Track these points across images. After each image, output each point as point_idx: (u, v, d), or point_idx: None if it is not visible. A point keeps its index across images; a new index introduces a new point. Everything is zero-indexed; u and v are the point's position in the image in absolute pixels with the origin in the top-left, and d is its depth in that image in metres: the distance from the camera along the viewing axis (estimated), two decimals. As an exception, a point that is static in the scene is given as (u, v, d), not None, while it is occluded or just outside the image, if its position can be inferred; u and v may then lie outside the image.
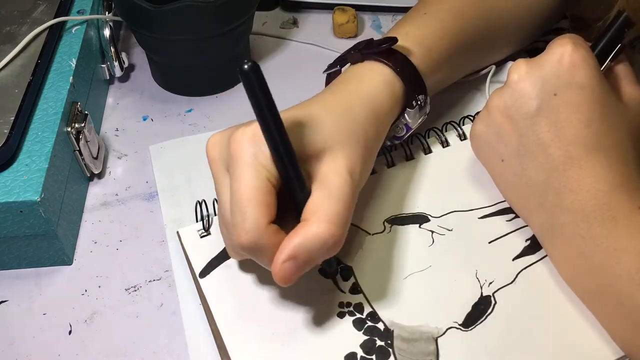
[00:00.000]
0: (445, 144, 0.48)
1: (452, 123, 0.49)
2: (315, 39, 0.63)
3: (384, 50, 0.42)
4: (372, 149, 0.39)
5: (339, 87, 0.41)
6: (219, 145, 0.36)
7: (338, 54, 0.46)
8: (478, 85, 0.55)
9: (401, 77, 0.41)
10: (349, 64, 0.43)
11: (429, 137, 0.48)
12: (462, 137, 0.48)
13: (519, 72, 0.38)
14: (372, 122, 0.39)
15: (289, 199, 0.34)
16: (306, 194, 0.34)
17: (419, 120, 0.44)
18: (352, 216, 0.39)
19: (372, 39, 0.44)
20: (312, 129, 0.35)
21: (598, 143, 0.36)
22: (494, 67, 0.53)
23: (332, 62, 0.46)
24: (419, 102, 0.43)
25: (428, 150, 0.47)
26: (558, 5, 0.54)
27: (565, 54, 0.37)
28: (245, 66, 0.30)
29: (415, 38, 0.44)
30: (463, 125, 0.49)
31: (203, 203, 0.44)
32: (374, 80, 0.41)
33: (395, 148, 0.47)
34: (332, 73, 0.46)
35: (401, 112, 0.43)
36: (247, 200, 0.32)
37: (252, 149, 0.33)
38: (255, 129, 0.33)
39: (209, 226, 0.42)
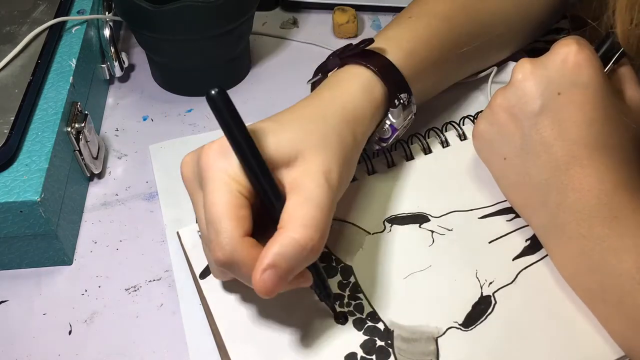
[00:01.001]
0: (445, 144, 0.48)
1: (452, 123, 0.49)
2: (315, 39, 0.63)
3: (362, 53, 0.42)
4: (349, 153, 0.38)
5: (313, 95, 0.40)
6: (191, 163, 0.35)
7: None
8: (479, 85, 0.55)
9: (380, 77, 0.41)
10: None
11: (428, 137, 0.48)
12: (462, 137, 0.48)
13: (524, 71, 0.38)
14: (348, 127, 0.38)
15: (266, 211, 0.34)
16: (282, 202, 0.33)
17: (405, 121, 0.43)
18: (352, 215, 0.39)
19: (350, 43, 0.44)
20: (281, 136, 0.35)
21: (601, 143, 0.36)
22: (495, 68, 0.53)
23: (314, 71, 0.46)
24: (401, 101, 0.42)
25: (428, 150, 0.47)
26: (552, 9, 0.54)
27: (570, 54, 0.37)
28: (212, 92, 0.32)
29: (397, 41, 0.44)
30: (463, 125, 0.49)
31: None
32: (351, 85, 0.40)
33: (390, 150, 0.47)
34: (316, 82, 0.45)
35: (385, 113, 0.43)
36: (220, 215, 0.32)
37: (221, 163, 0.33)
38: (222, 142, 0.33)
39: (209, 226, 0.42)
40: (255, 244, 0.33)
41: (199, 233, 0.42)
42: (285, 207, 0.33)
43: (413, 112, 0.44)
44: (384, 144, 0.44)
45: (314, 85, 0.46)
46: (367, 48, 0.43)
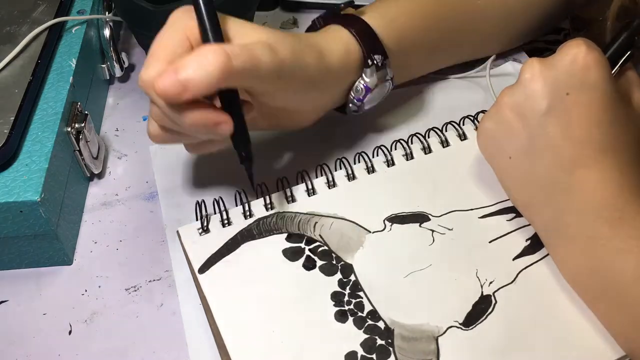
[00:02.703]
0: (445, 143, 0.48)
1: (452, 123, 0.49)
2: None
3: (344, 16, 0.45)
4: (310, 68, 0.41)
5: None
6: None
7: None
8: (479, 85, 0.55)
9: (356, 36, 0.44)
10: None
11: (429, 137, 0.48)
12: (463, 137, 0.48)
13: (532, 70, 0.38)
14: (311, 46, 0.41)
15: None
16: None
17: (379, 82, 0.45)
18: (352, 214, 0.39)
19: (334, 5, 0.47)
20: (243, 24, 0.39)
21: (607, 144, 0.36)
22: (491, 58, 0.53)
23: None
24: (375, 62, 0.44)
25: (428, 150, 0.47)
26: (557, 4, 0.54)
27: (579, 55, 0.37)
28: None
29: (379, 10, 0.47)
30: (463, 125, 0.49)
31: (203, 203, 0.44)
32: (328, 35, 0.44)
33: (390, 150, 0.47)
34: None
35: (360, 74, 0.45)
36: (158, 46, 0.36)
37: (184, 17, 0.37)
38: (190, 6, 0.37)
39: (208, 224, 0.42)
40: None
41: (199, 231, 0.42)
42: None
43: (389, 75, 0.46)
44: (359, 103, 0.46)
45: None
46: (350, 13, 0.46)
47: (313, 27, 0.47)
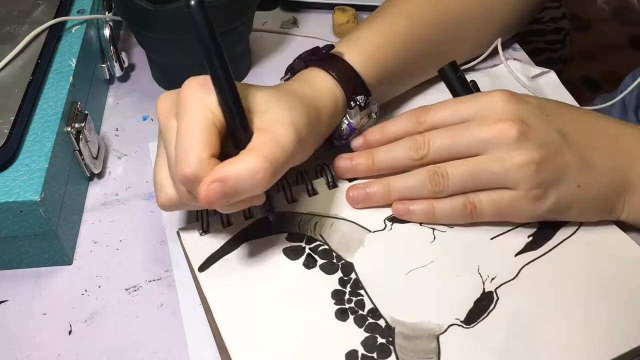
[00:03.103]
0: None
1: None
2: (315, 39, 0.62)
3: (324, 57, 0.45)
4: (314, 124, 0.40)
5: (282, 84, 0.44)
6: (169, 99, 0.38)
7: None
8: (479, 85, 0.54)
9: (338, 80, 0.44)
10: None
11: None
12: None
13: (516, 131, 0.39)
14: (313, 105, 0.41)
15: (233, 146, 0.37)
16: (248, 135, 0.36)
17: (364, 121, 0.46)
18: (352, 214, 0.39)
19: (317, 46, 0.46)
20: (256, 91, 0.38)
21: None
22: (485, 54, 0.53)
23: (285, 70, 0.48)
24: (358, 103, 0.45)
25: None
26: (520, 9, 0.55)
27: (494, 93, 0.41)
28: (192, 2, 0.32)
29: (360, 44, 0.47)
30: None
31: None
32: (315, 83, 0.44)
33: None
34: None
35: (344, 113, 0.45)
36: (192, 136, 0.35)
37: (201, 93, 0.36)
38: (205, 77, 0.36)
39: (208, 225, 0.42)
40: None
41: (200, 231, 0.42)
42: (252, 141, 0.36)
43: (373, 111, 0.46)
44: (344, 141, 0.46)
45: None
46: (331, 52, 0.46)
47: (293, 68, 0.47)
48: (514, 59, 0.57)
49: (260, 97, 0.38)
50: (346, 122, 0.45)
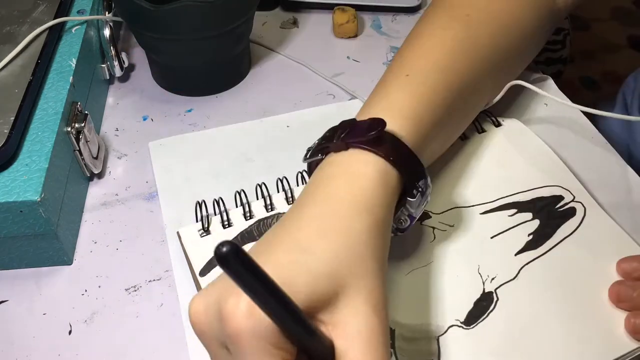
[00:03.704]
0: (445, 143, 0.48)
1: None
2: (316, 39, 0.62)
3: (371, 138, 0.36)
4: (383, 261, 0.33)
5: (327, 193, 0.34)
6: (207, 318, 0.29)
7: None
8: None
9: (396, 167, 0.35)
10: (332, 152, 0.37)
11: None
12: (463, 136, 0.48)
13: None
14: (377, 233, 0.33)
15: None
16: (329, 349, 0.29)
17: (423, 207, 0.38)
18: None
19: (354, 120, 0.38)
20: (315, 273, 0.29)
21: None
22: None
23: (311, 146, 0.39)
24: (419, 189, 0.37)
25: (428, 150, 0.47)
26: (542, 29, 0.50)
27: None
28: (223, 249, 0.22)
29: (402, 110, 0.38)
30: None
31: (203, 203, 0.44)
32: (366, 176, 0.34)
33: None
34: (314, 162, 0.39)
35: (400, 201, 0.37)
36: None
37: (255, 328, 0.27)
38: (249, 302, 0.26)
39: (209, 226, 0.42)
40: None
41: (200, 232, 0.42)
42: (337, 354, 0.29)
43: (429, 194, 0.38)
44: (400, 233, 0.39)
45: (310, 165, 0.40)
46: (368, 120, 0.37)
47: (326, 148, 0.37)
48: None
49: (320, 280, 0.29)
50: (406, 212, 0.37)
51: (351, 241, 0.31)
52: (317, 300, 0.29)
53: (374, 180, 0.34)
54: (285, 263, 0.30)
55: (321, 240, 0.31)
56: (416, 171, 0.37)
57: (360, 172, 0.35)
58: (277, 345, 0.27)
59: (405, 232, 0.39)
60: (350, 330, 0.29)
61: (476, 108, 0.46)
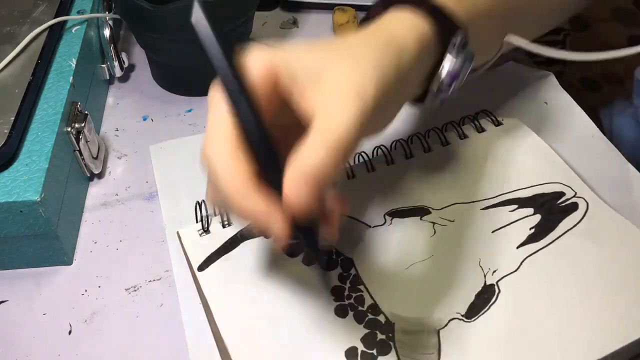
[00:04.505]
0: (444, 143, 0.48)
1: (452, 123, 0.49)
2: (316, 39, 0.62)
3: None
4: (389, 81, 0.32)
5: (354, 33, 0.34)
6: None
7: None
8: (477, 86, 0.54)
9: (430, 16, 0.35)
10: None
11: (429, 137, 0.48)
12: (463, 136, 0.48)
13: None
14: (389, 51, 0.32)
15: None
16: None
17: (465, 67, 0.37)
18: (352, 210, 0.37)
19: None
20: (309, 49, 0.31)
21: None
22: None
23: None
24: (455, 43, 0.36)
25: (428, 149, 0.47)
26: None
27: None
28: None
29: None
30: (463, 125, 0.49)
31: (203, 204, 0.44)
32: (397, 22, 0.34)
33: (390, 149, 0.46)
34: None
35: (436, 62, 0.36)
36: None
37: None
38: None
39: (208, 226, 0.42)
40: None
41: (200, 232, 0.42)
42: (310, 128, 0.29)
43: (472, 55, 0.37)
44: (442, 96, 0.37)
45: None
46: None
47: (369, 15, 0.37)
48: (514, 60, 0.57)
49: (306, 60, 0.31)
50: (446, 67, 0.36)
51: (355, 41, 0.33)
52: (306, 71, 0.30)
53: (406, 26, 0.34)
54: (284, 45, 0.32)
55: (324, 45, 0.32)
56: (452, 24, 0.36)
57: (395, 19, 0.35)
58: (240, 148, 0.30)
59: (449, 92, 0.37)
60: (329, 114, 0.29)
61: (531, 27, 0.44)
